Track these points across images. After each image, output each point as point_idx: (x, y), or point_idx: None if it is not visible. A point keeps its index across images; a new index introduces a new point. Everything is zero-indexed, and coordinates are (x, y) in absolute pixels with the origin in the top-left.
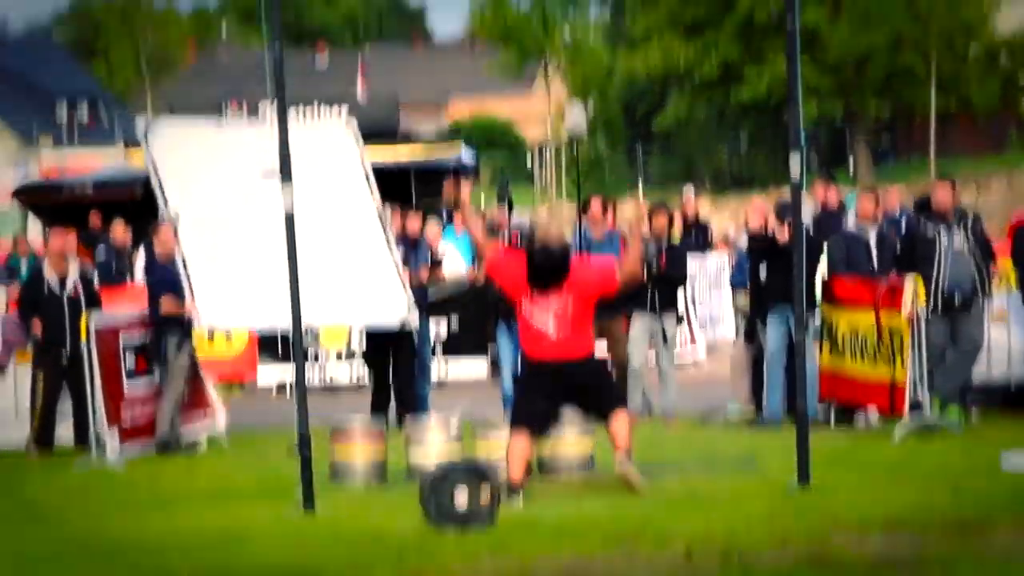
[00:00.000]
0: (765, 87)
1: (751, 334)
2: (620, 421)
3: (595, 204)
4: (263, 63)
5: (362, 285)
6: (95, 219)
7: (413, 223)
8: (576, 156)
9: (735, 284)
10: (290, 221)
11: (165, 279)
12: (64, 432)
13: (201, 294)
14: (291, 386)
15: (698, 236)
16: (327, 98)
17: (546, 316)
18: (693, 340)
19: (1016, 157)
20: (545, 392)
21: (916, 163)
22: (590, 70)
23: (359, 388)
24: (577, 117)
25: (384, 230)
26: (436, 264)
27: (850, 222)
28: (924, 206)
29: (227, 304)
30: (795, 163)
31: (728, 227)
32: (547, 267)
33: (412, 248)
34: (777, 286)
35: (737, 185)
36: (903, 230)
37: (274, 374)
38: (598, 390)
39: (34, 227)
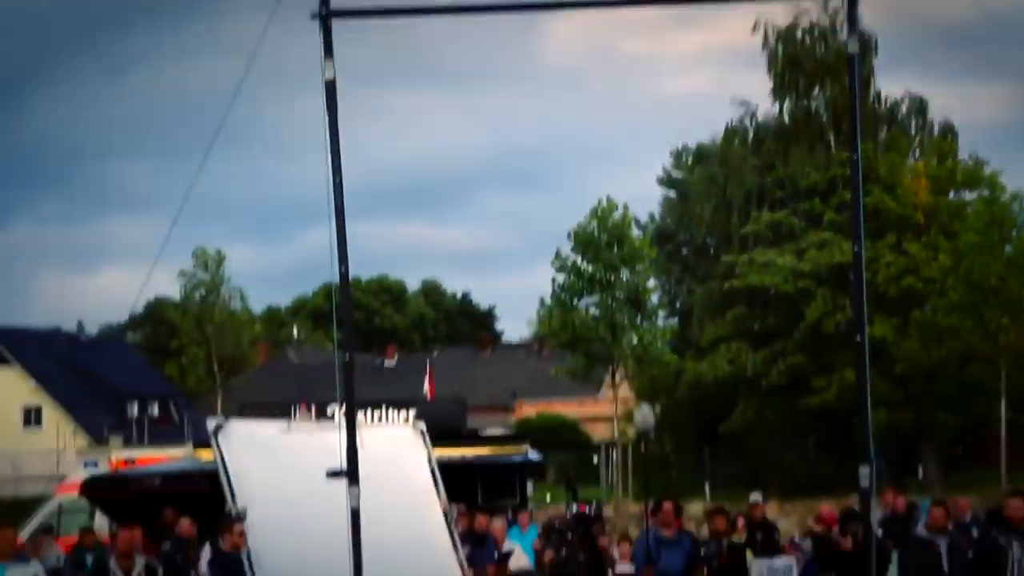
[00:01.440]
0: (834, 395)
1: None
2: None
3: (667, 506)
4: (332, 364)
5: None
6: (170, 513)
7: (480, 520)
8: (644, 455)
9: None
10: (355, 515)
11: (229, 571)
12: None
13: None
14: None
15: (765, 538)
16: (395, 400)
17: None
18: None
19: None
20: None
21: (988, 474)
22: (657, 374)
23: None
24: (645, 415)
25: (449, 528)
26: (504, 559)
27: (920, 530)
28: (996, 517)
29: None
30: (864, 474)
31: (795, 532)
32: None
33: (479, 545)
34: None
35: (805, 490)
36: (974, 539)
37: None
38: None
39: (100, 520)
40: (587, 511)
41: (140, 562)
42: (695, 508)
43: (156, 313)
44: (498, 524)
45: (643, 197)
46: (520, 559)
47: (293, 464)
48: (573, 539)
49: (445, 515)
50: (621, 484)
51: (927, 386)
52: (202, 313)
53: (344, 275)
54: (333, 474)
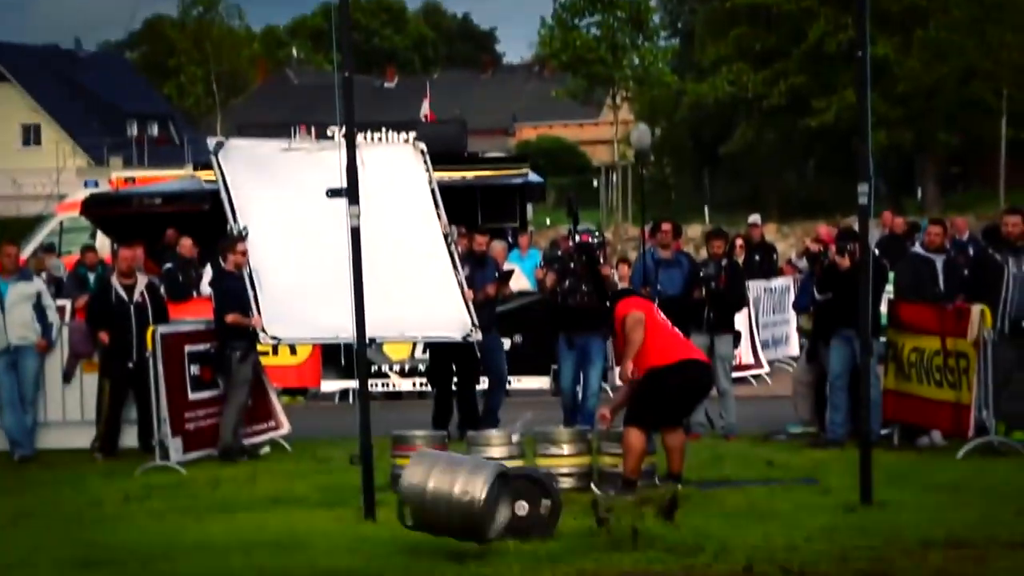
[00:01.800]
0: (834, 115)
1: (813, 355)
2: (681, 440)
3: (666, 226)
4: (332, 86)
5: (426, 301)
6: (171, 233)
7: (480, 241)
8: (642, 177)
9: (799, 308)
10: (356, 234)
11: (232, 291)
12: (128, 439)
13: (267, 307)
14: (354, 395)
15: (763, 260)
16: (395, 121)
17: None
18: (757, 361)
19: None
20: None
21: (985, 193)
22: (658, 96)
23: (421, 396)
24: (643, 134)
25: (449, 248)
26: (505, 277)
27: (917, 248)
28: (993, 234)
29: (292, 317)
30: (863, 191)
31: (792, 253)
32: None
33: (479, 267)
34: (841, 310)
35: (804, 211)
36: (971, 257)
37: (337, 383)
38: (697, 402)
39: (102, 240)
40: (591, 240)
41: (142, 280)
42: (694, 231)
43: (154, 30)
44: (498, 246)
45: None
46: (520, 280)
47: (293, 183)
48: (576, 268)
49: (445, 236)
50: (621, 207)
51: (927, 104)
52: (200, 30)
53: None
54: (333, 193)
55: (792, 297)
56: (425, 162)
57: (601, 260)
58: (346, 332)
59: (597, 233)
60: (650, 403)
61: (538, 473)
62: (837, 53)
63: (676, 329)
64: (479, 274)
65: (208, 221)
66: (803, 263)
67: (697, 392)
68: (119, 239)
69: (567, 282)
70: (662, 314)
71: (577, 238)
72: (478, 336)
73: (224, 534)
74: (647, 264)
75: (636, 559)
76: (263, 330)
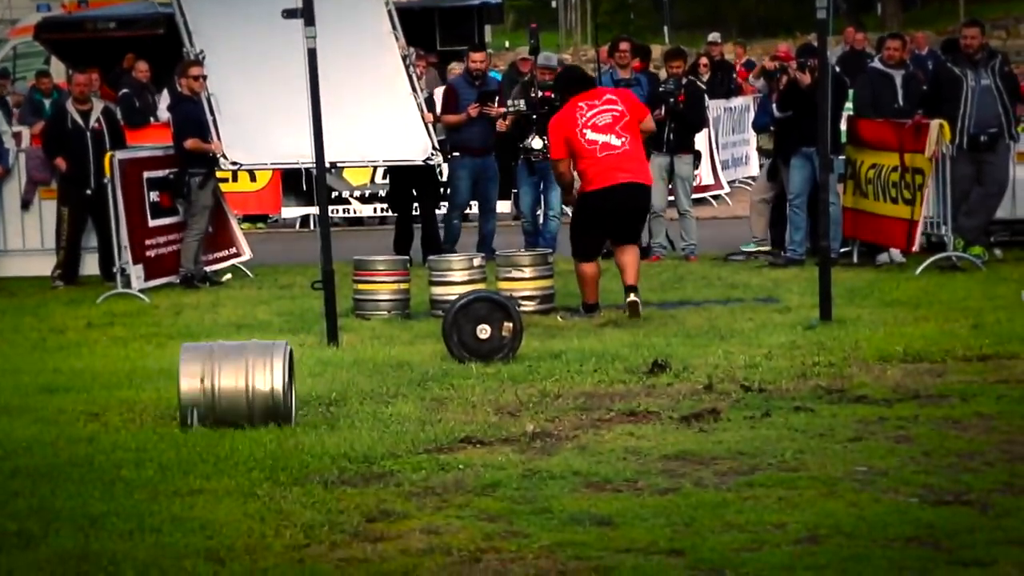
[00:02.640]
0: None
1: (773, 173)
2: (634, 254)
3: (624, 45)
4: None
5: (386, 124)
6: (129, 57)
7: (476, 59)
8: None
9: (757, 127)
10: (312, 56)
11: (191, 117)
12: (89, 267)
13: (227, 132)
14: (315, 221)
15: (723, 80)
16: None
17: (607, 133)
18: (717, 182)
19: None
20: (616, 214)
21: (945, 8)
22: None
23: (382, 222)
24: None
25: (408, 71)
26: (488, 96)
27: (875, 63)
28: (951, 47)
29: (252, 142)
30: (821, 5)
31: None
32: (579, 76)
33: (476, 86)
34: (801, 127)
35: (764, 30)
36: (930, 71)
37: (297, 210)
38: (636, 222)
39: (57, 66)
40: (553, 97)
41: (98, 106)
42: (655, 52)
43: None
44: (457, 68)
45: None
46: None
47: (250, 4)
48: (540, 120)
49: (404, 58)
50: (580, 28)
51: None
52: None
53: None
54: (289, 13)
55: (752, 116)
56: None
57: None
58: (306, 157)
59: (557, 67)
60: (578, 230)
61: (500, 296)
62: None
63: (617, 139)
64: (473, 94)
65: (164, 45)
66: (760, 82)
67: (625, 215)
68: (74, 64)
69: (529, 139)
70: (603, 118)
71: (540, 94)
72: (439, 159)
73: None
74: (605, 85)
75: (598, 379)
76: (223, 155)
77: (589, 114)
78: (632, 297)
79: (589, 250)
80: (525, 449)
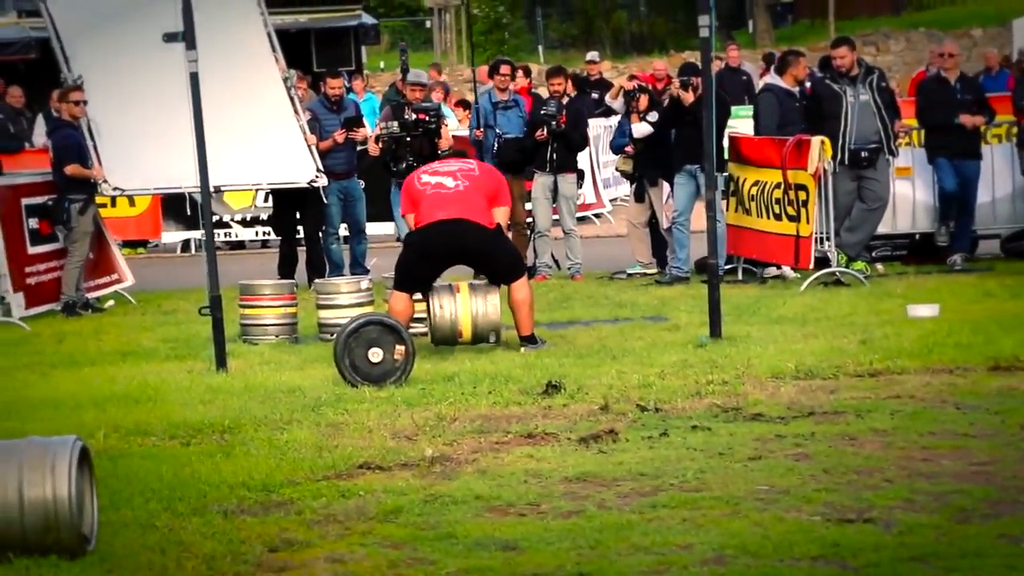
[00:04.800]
0: None
1: (641, 195)
2: (517, 297)
3: (504, 68)
4: None
5: (269, 147)
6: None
7: (333, 85)
8: (468, 19)
9: (615, 148)
10: (195, 80)
11: (71, 142)
12: None
13: (108, 157)
14: (196, 245)
15: (601, 98)
16: None
17: (443, 176)
18: (599, 200)
19: (912, 18)
20: (432, 254)
21: (815, 24)
22: None
23: (264, 245)
24: None
25: (289, 93)
26: (353, 122)
27: (777, 80)
28: (828, 65)
29: (132, 168)
30: (704, 23)
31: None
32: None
33: (335, 111)
34: (684, 146)
35: (637, 48)
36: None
37: (178, 235)
38: (495, 254)
39: None
40: (427, 119)
41: None
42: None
43: None
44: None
45: None
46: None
47: (128, 29)
48: (413, 144)
49: (284, 80)
50: (455, 48)
51: None
52: None
53: None
54: (170, 37)
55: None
56: (259, 4)
57: (440, 133)
58: (189, 181)
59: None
60: (398, 265)
61: (390, 319)
62: None
63: (451, 182)
64: (334, 119)
65: (36, 70)
66: (618, 103)
67: (446, 254)
68: None
69: (403, 163)
70: (447, 165)
71: (414, 116)
72: (323, 181)
73: (73, 389)
74: (483, 106)
75: (493, 401)
76: (105, 181)
77: (435, 165)
78: (523, 351)
79: (404, 284)
80: (425, 474)
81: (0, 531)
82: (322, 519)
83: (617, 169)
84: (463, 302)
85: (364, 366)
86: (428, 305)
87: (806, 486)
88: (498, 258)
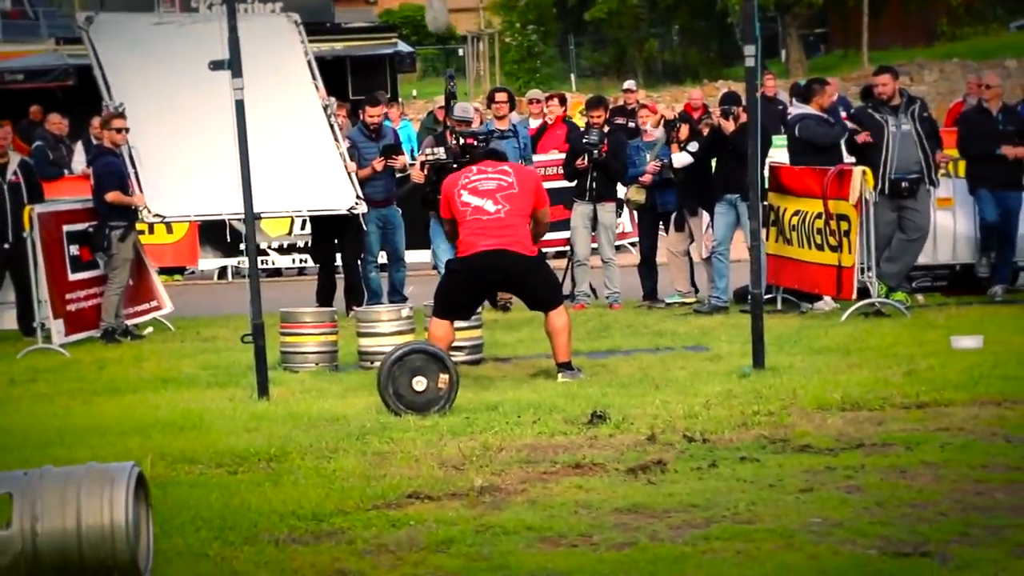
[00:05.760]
0: None
1: (681, 224)
2: (555, 324)
3: (500, 97)
4: None
5: (309, 174)
6: (35, 110)
7: (372, 113)
8: (493, 47)
9: (629, 179)
10: (240, 108)
11: (112, 169)
12: (8, 322)
13: (149, 184)
14: (233, 272)
15: (638, 126)
16: None
17: (483, 198)
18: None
19: (946, 48)
20: (476, 278)
21: (848, 55)
22: None
23: (300, 273)
24: (436, 11)
25: (329, 120)
26: (392, 150)
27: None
28: (869, 94)
29: (173, 194)
30: (750, 53)
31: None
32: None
33: (373, 139)
34: (725, 175)
35: (669, 77)
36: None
37: (216, 261)
38: (536, 281)
39: None
40: (476, 143)
41: (15, 159)
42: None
43: None
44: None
45: None
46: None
47: (168, 57)
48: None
49: (324, 107)
50: (488, 76)
51: None
52: None
53: None
54: (216, 65)
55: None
56: (300, 33)
57: None
58: (230, 208)
59: (472, 119)
60: (439, 291)
61: (433, 347)
62: None
63: (493, 206)
64: (372, 147)
65: (74, 97)
66: (659, 131)
67: (489, 283)
68: None
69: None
70: (486, 183)
71: (461, 140)
72: (363, 208)
73: (117, 416)
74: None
75: (538, 431)
76: (146, 208)
77: (474, 177)
78: (560, 378)
79: (444, 311)
80: (475, 504)
81: (58, 558)
82: (374, 549)
83: (628, 200)
84: None
85: (408, 395)
86: None
87: (860, 519)
88: (536, 286)
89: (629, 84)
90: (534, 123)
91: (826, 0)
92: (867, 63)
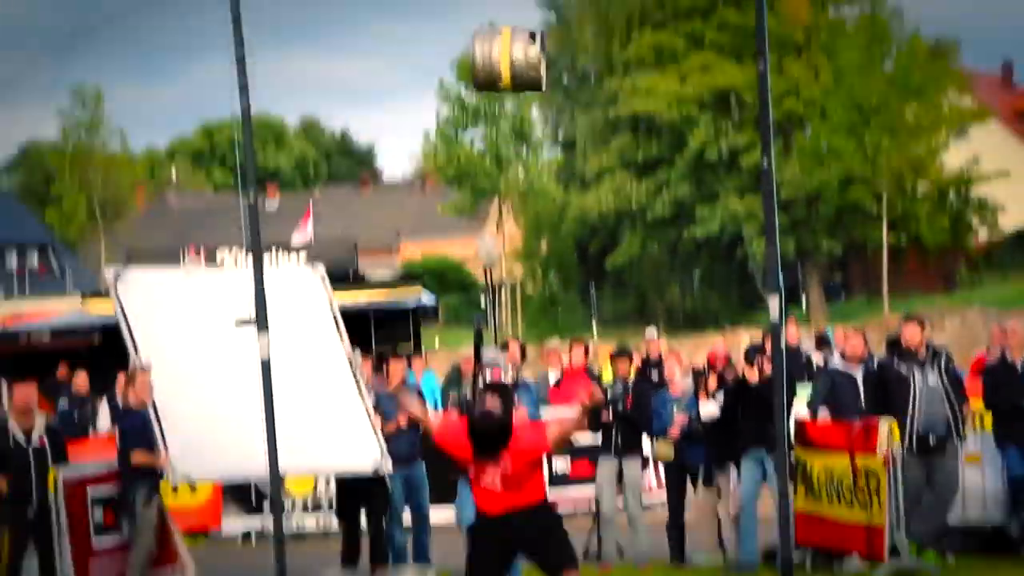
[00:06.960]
0: (718, 225)
1: (709, 479)
2: None
3: (513, 346)
4: (214, 207)
5: (335, 432)
6: (61, 369)
7: (395, 370)
8: (507, 294)
9: (657, 431)
10: (266, 368)
11: (136, 428)
12: None
13: (174, 444)
14: (256, 536)
15: (661, 376)
16: (278, 241)
17: (493, 477)
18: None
19: (966, 295)
20: (496, 547)
21: (869, 300)
22: (543, 208)
23: (326, 536)
24: (488, 245)
25: (354, 375)
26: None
27: (836, 361)
28: (895, 345)
29: (200, 454)
30: (774, 305)
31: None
32: (487, 438)
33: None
34: (750, 428)
35: (691, 323)
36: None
37: (239, 523)
38: (548, 543)
39: None
40: (502, 379)
41: (40, 420)
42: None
43: (31, 157)
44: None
45: (523, 21)
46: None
47: (195, 313)
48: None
49: (349, 362)
50: (510, 325)
51: (808, 211)
52: (81, 155)
53: (246, 110)
54: (242, 323)
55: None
56: (325, 285)
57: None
58: (256, 468)
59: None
60: (468, 559)
61: None
62: (719, 161)
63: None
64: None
65: (98, 354)
66: (687, 381)
67: (498, 552)
68: (10, 378)
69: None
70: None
71: (488, 374)
72: (388, 467)
73: None
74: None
75: None
76: (171, 469)
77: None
78: None
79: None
80: None
81: None
82: None
83: (655, 455)
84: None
85: None
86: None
87: None
88: (549, 547)
89: (651, 333)
90: (553, 375)
91: (845, 247)
92: (888, 310)
